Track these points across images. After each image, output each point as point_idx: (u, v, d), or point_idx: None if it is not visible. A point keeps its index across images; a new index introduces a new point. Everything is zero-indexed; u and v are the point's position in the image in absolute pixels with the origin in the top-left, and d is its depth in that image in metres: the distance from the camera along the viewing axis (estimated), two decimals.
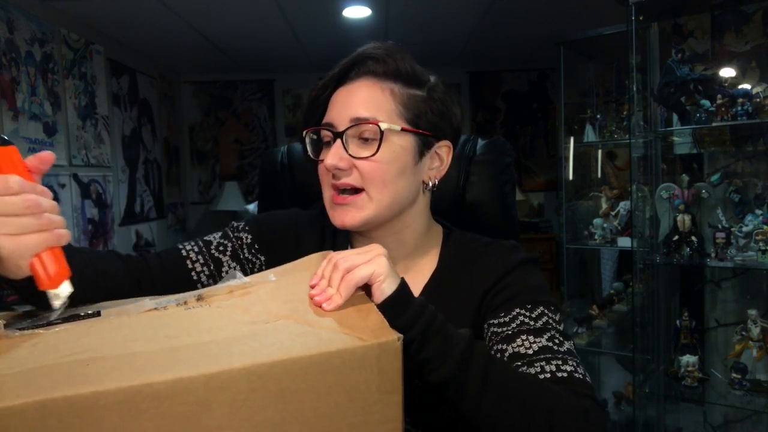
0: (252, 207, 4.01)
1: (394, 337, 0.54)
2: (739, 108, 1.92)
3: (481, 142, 1.07)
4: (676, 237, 2.09)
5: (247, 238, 0.87)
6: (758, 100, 1.91)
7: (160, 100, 4.43)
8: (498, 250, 0.85)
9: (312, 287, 0.65)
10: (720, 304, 2.20)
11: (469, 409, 0.64)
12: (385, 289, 0.64)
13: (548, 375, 0.69)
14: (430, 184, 0.83)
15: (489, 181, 1.04)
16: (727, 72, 2.08)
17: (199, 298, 0.64)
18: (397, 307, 0.63)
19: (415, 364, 0.63)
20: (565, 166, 2.71)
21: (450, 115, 0.82)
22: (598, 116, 2.62)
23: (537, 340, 0.73)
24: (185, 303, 0.63)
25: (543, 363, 0.70)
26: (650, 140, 2.26)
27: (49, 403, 0.43)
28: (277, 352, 0.50)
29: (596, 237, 2.52)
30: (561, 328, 0.76)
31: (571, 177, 2.75)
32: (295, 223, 0.90)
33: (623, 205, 2.46)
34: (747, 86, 1.97)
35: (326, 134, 0.79)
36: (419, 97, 0.78)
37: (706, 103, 2.01)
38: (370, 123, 0.74)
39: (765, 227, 1.91)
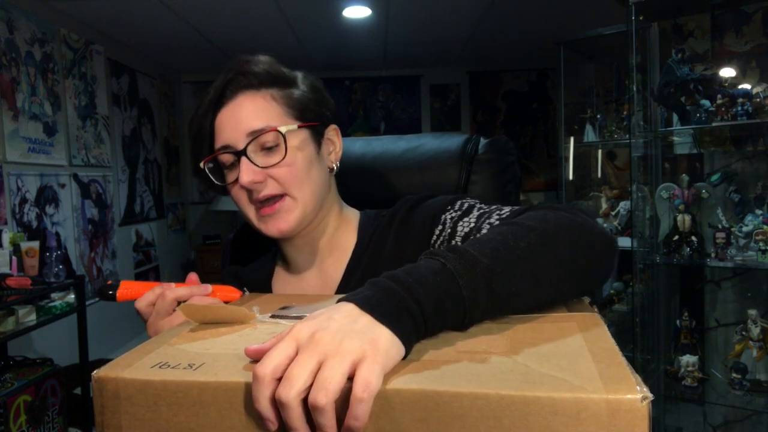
0: None
1: (635, 395, 0.38)
2: (739, 108, 1.92)
3: (483, 141, 1.07)
4: (676, 237, 2.10)
5: None
6: (758, 100, 1.91)
7: (160, 100, 4.43)
8: (401, 206, 0.86)
9: None
10: (720, 304, 2.20)
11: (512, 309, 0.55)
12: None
13: (497, 222, 0.68)
14: (334, 168, 0.87)
15: (491, 180, 1.03)
16: (727, 72, 2.08)
17: None
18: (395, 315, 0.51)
19: None
20: (565, 166, 2.71)
21: (326, 100, 0.86)
22: (598, 116, 2.62)
23: (468, 217, 0.74)
24: None
25: (485, 222, 0.70)
26: (650, 140, 2.26)
27: None
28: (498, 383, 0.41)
29: None
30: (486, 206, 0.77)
31: (571, 177, 2.75)
32: (241, 276, 0.92)
33: (623, 205, 2.46)
34: (747, 86, 1.97)
35: (226, 157, 0.78)
36: (296, 94, 0.81)
37: (706, 103, 2.01)
38: (268, 131, 0.75)
39: (765, 227, 1.91)
